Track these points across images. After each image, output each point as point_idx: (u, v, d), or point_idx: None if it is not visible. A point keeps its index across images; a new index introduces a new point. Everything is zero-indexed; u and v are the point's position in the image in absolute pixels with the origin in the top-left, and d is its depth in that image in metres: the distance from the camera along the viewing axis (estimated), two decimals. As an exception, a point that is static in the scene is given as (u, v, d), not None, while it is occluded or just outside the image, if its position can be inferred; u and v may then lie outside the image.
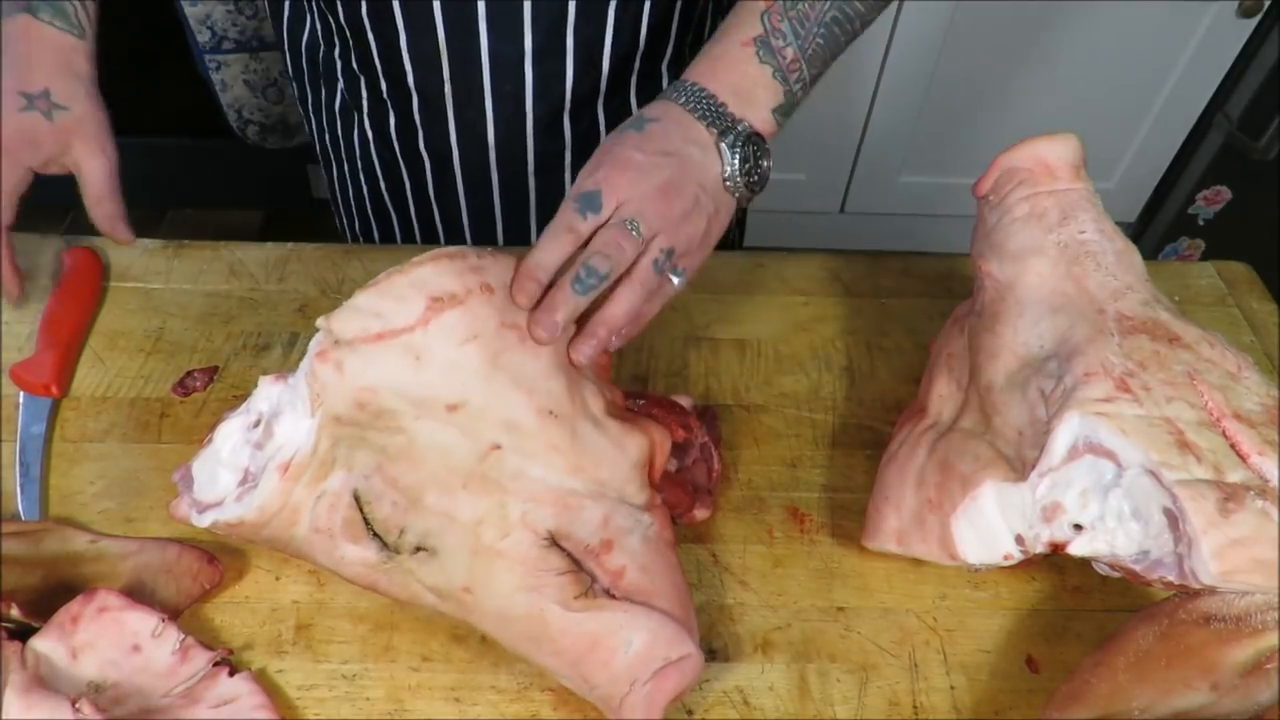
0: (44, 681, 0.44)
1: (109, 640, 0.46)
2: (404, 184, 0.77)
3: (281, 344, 0.64)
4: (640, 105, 0.71)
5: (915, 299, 0.71)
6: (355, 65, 0.71)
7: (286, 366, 0.63)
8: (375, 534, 0.46)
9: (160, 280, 0.68)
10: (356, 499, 0.46)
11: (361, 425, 0.45)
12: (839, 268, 0.73)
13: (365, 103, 0.73)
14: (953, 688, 0.50)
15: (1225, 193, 1.72)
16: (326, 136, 0.80)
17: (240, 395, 0.61)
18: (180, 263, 0.70)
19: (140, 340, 0.64)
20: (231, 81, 1.52)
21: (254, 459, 0.47)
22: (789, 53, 0.52)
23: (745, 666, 0.50)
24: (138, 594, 0.49)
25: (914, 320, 0.69)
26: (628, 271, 0.48)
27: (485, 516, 0.45)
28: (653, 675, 0.44)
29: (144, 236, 0.71)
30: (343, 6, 0.66)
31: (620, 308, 0.48)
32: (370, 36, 0.67)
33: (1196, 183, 1.71)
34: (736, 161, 0.51)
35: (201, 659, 0.47)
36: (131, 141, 1.98)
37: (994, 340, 0.52)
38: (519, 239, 0.79)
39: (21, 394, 0.59)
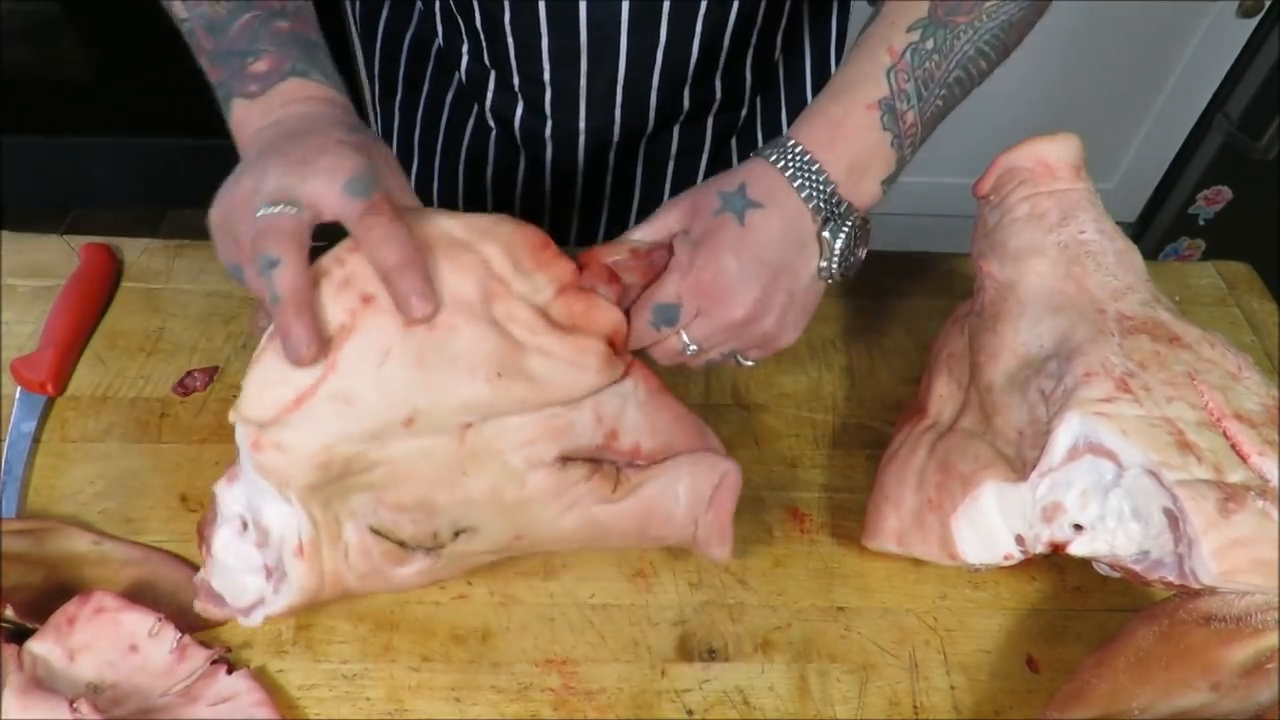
0: (42, 683, 0.44)
1: (106, 641, 0.46)
2: (516, 172, 0.79)
3: (281, 344, 0.64)
4: (754, 78, 0.75)
5: (915, 299, 0.71)
6: (486, 61, 0.72)
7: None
8: (414, 548, 0.46)
9: (160, 280, 0.68)
10: (379, 533, 0.46)
11: (338, 479, 0.43)
12: (839, 268, 0.73)
13: (491, 94, 0.74)
14: (953, 688, 0.50)
15: (1225, 193, 1.72)
16: (419, 131, 0.81)
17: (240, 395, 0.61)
18: (180, 263, 0.70)
19: (140, 340, 0.64)
20: (231, 81, 1.52)
21: (266, 555, 0.45)
22: (910, 117, 0.49)
23: (745, 666, 0.50)
24: (139, 602, 0.48)
25: (914, 320, 0.69)
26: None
27: (496, 481, 0.45)
28: (709, 506, 0.49)
29: (144, 236, 0.72)
30: (479, 11, 0.67)
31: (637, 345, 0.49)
32: (509, 40, 0.67)
33: (1196, 183, 1.71)
34: (837, 252, 0.48)
35: (199, 657, 0.47)
36: (131, 141, 1.99)
37: (994, 340, 0.52)
38: (622, 226, 0.81)
39: (18, 389, 0.59)
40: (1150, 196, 1.82)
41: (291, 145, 0.44)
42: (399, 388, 0.42)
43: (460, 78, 0.76)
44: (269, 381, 0.41)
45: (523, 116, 0.74)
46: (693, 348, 0.49)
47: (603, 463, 0.48)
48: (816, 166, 0.48)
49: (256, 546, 0.45)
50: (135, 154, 1.73)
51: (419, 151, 0.83)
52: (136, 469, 0.57)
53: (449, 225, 0.44)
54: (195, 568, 0.52)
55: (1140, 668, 0.44)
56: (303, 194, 0.41)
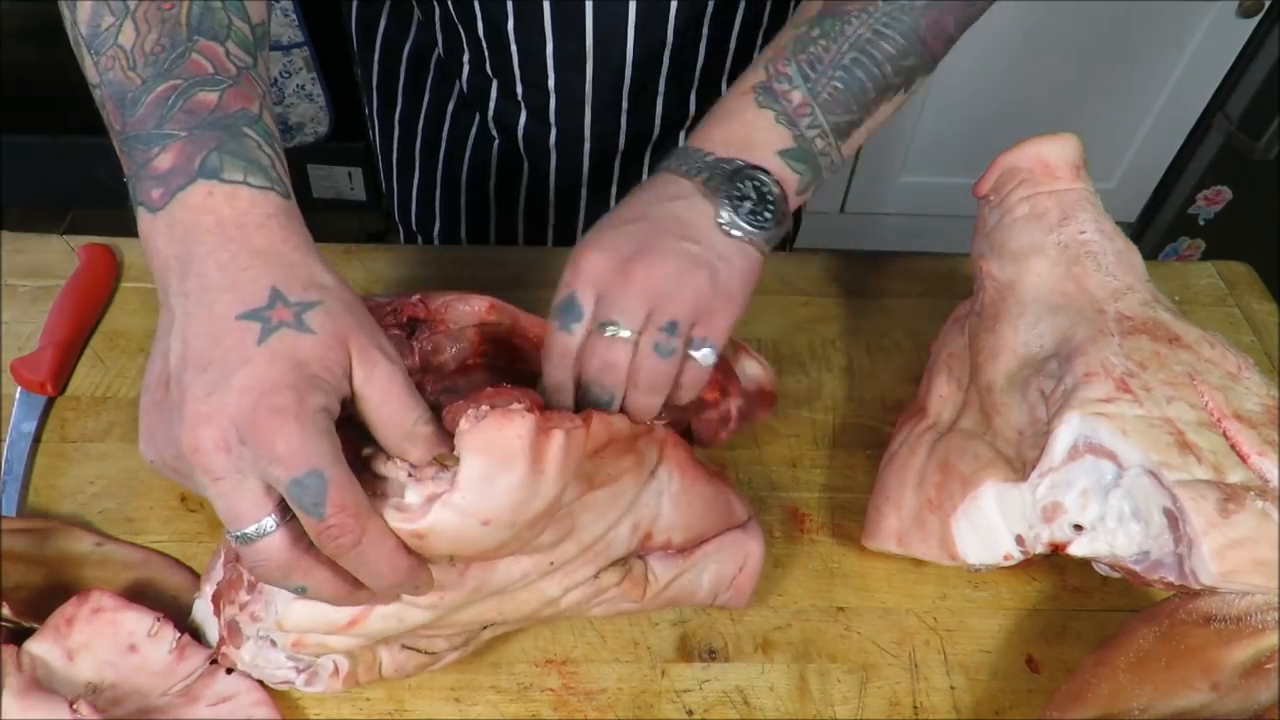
0: (41, 684, 0.44)
1: (105, 641, 0.46)
2: (519, 182, 0.78)
3: (281, 344, 0.64)
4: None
5: (915, 299, 0.71)
6: (489, 69, 0.71)
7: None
8: (446, 651, 0.47)
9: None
10: (413, 649, 0.46)
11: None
12: (839, 268, 0.73)
13: (493, 103, 0.74)
14: (953, 688, 0.50)
15: (1225, 193, 1.72)
16: (419, 143, 0.80)
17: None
18: (180, 263, 0.69)
19: (140, 340, 0.64)
20: (231, 81, 1.52)
21: (297, 660, 0.45)
22: (796, 96, 0.47)
23: (745, 666, 0.50)
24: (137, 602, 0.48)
25: (914, 320, 0.69)
26: (631, 377, 0.42)
27: (533, 607, 0.45)
28: (730, 584, 0.50)
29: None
30: (482, 18, 0.67)
31: (637, 415, 0.43)
32: (513, 46, 0.67)
33: (1196, 183, 1.71)
34: (727, 202, 0.44)
35: (198, 657, 0.47)
36: (131, 141, 1.95)
37: (994, 340, 0.52)
38: None
39: (18, 390, 0.59)
40: (1150, 196, 1.82)
41: (192, 386, 0.34)
42: (452, 606, 0.42)
43: (461, 87, 0.76)
44: (318, 608, 0.40)
45: (526, 125, 0.74)
46: (624, 332, 0.41)
47: (631, 563, 0.47)
48: (691, 149, 0.46)
49: (287, 657, 0.44)
50: (135, 154, 1.73)
51: (420, 164, 0.82)
52: (136, 469, 0.57)
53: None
54: (196, 574, 0.52)
55: (1140, 668, 0.44)
56: (261, 484, 0.35)
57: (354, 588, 0.37)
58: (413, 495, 0.37)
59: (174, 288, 0.37)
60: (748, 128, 0.46)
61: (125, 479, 0.56)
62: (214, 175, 0.37)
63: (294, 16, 1.48)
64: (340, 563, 0.35)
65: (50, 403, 0.59)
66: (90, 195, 1.79)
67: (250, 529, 0.35)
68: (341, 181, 1.80)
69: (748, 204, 0.44)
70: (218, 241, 0.37)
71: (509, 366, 0.51)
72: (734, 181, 0.44)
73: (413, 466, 0.38)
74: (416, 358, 0.49)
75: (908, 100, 0.51)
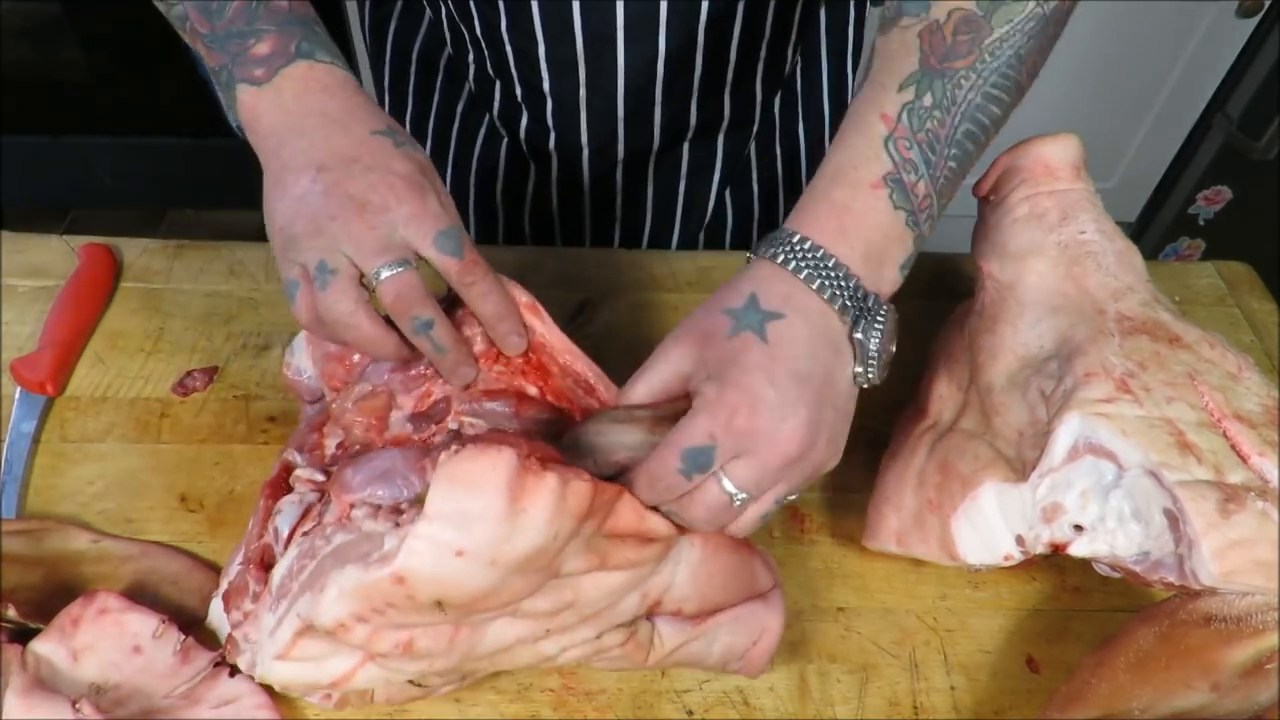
0: (45, 684, 0.44)
1: (110, 642, 0.46)
2: (527, 182, 0.78)
3: (281, 344, 0.64)
4: (765, 92, 0.73)
5: (915, 299, 0.70)
6: (490, 70, 0.71)
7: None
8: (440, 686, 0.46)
9: (160, 280, 0.68)
10: (411, 681, 0.44)
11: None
12: (839, 268, 0.73)
13: (497, 104, 0.74)
14: (953, 688, 0.50)
15: (1225, 193, 1.72)
16: (430, 145, 0.80)
17: (240, 395, 0.61)
18: (180, 263, 0.70)
19: (140, 340, 0.64)
20: (231, 81, 1.52)
21: None
22: (921, 188, 0.43)
23: (745, 667, 0.50)
24: (139, 599, 0.49)
25: (914, 320, 0.68)
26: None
27: (531, 661, 0.43)
28: (741, 656, 0.46)
29: (144, 236, 0.72)
30: (479, 19, 0.67)
31: (689, 527, 0.42)
32: (508, 48, 0.67)
33: (1196, 183, 1.71)
34: (874, 352, 0.42)
35: (202, 660, 0.47)
36: (131, 141, 1.99)
37: (994, 340, 0.52)
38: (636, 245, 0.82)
39: (18, 390, 0.59)
40: (1150, 196, 1.82)
41: (345, 174, 0.44)
42: (442, 670, 0.42)
43: (470, 87, 0.76)
44: (301, 670, 0.40)
45: (527, 127, 0.74)
46: (741, 496, 0.40)
47: (637, 626, 0.44)
48: (833, 261, 0.41)
49: None
50: (135, 154, 1.73)
51: (436, 159, 0.83)
52: (136, 469, 0.57)
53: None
54: (192, 558, 0.52)
55: (1140, 668, 0.44)
56: (402, 247, 0.44)
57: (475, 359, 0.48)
58: (390, 541, 0.37)
59: (292, 134, 0.46)
60: (885, 238, 0.42)
61: (125, 479, 0.56)
62: (309, 56, 0.47)
63: (294, 16, 1.48)
64: (470, 301, 0.47)
65: (50, 403, 0.59)
66: (90, 195, 1.80)
67: (395, 261, 0.44)
68: (341, 181, 1.79)
69: (880, 349, 0.42)
70: (329, 96, 0.47)
71: (540, 395, 0.49)
72: (873, 323, 0.42)
73: (396, 518, 0.39)
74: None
75: None
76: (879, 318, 0.42)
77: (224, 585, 0.47)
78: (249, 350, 0.64)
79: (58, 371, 0.60)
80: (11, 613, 0.47)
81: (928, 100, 0.43)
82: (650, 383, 0.42)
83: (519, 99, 0.72)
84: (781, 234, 0.42)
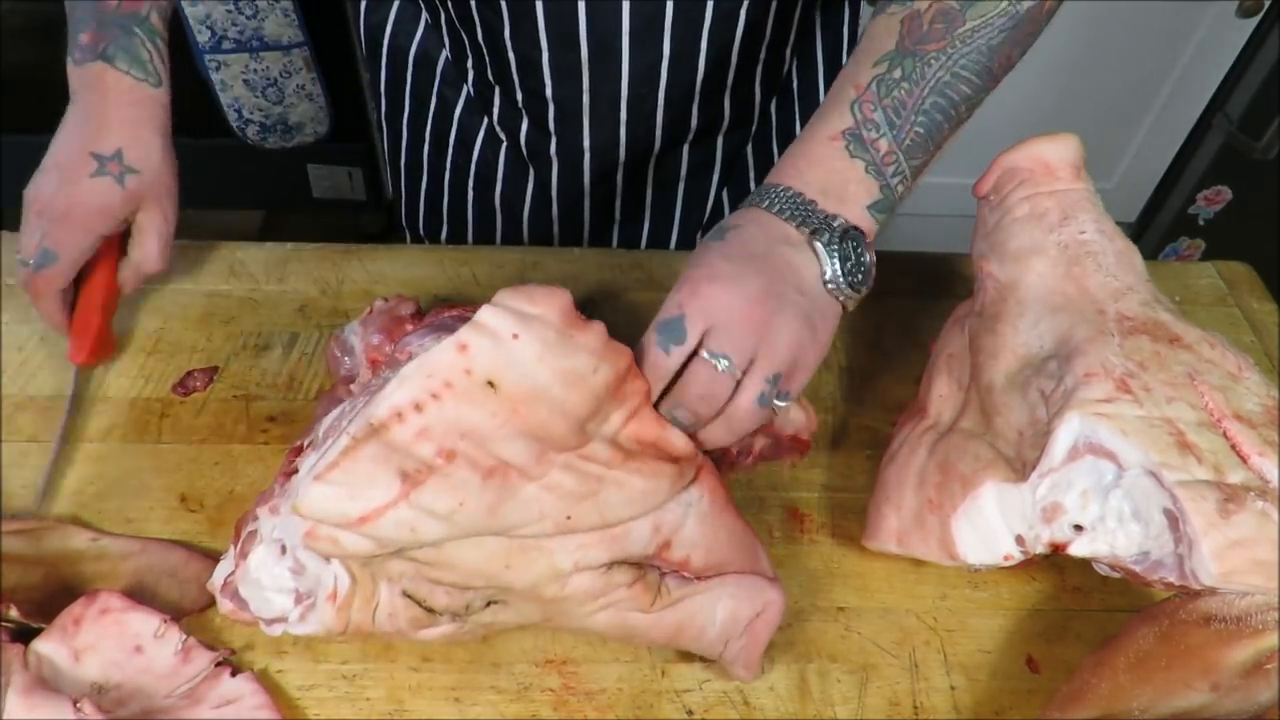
0: (46, 683, 0.44)
1: (111, 642, 0.46)
2: (526, 185, 0.78)
3: (281, 344, 0.64)
4: (763, 94, 0.75)
5: (915, 299, 0.71)
6: (490, 76, 0.72)
7: (286, 367, 0.63)
8: (443, 614, 0.46)
9: (160, 280, 0.68)
10: (411, 597, 0.45)
11: (386, 555, 0.43)
12: (839, 268, 0.73)
13: (496, 110, 0.74)
14: (953, 688, 0.50)
15: (1225, 193, 1.72)
16: (427, 147, 0.81)
17: (240, 395, 0.61)
18: (180, 263, 0.70)
19: (140, 340, 0.64)
20: (231, 81, 1.53)
21: (299, 582, 0.45)
22: (883, 145, 0.48)
23: (745, 667, 0.50)
24: (139, 595, 0.49)
25: (914, 320, 0.69)
26: (723, 412, 0.44)
27: (539, 578, 0.44)
28: (743, 631, 0.47)
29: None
30: (480, 25, 0.67)
31: (708, 444, 0.46)
32: (510, 54, 0.67)
33: (1196, 183, 1.71)
34: (836, 260, 0.46)
35: (203, 660, 0.47)
36: (131, 141, 1.93)
37: (994, 340, 0.52)
38: (635, 240, 0.84)
39: (74, 369, 0.60)
40: (1150, 196, 1.82)
41: (59, 163, 0.58)
42: (462, 528, 0.42)
43: (469, 90, 0.76)
44: (335, 495, 0.40)
45: (528, 132, 0.74)
46: (723, 362, 0.43)
47: (646, 570, 0.46)
48: (789, 191, 0.47)
49: (291, 572, 0.44)
50: (135, 154, 1.73)
51: (428, 168, 0.82)
52: (136, 469, 0.57)
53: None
54: (189, 548, 0.52)
55: (1140, 668, 0.44)
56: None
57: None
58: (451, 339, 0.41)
59: (69, 113, 0.59)
60: (842, 178, 0.47)
61: (125, 479, 0.56)
62: (110, 60, 0.58)
63: (294, 16, 1.48)
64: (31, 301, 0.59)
65: (88, 370, 0.61)
66: (90, 195, 1.79)
67: (31, 259, 0.57)
68: (341, 181, 1.79)
69: (849, 264, 0.46)
70: (98, 101, 0.58)
71: None
72: (842, 241, 0.46)
73: None
74: None
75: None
76: (840, 233, 0.46)
77: (234, 549, 0.47)
78: (249, 350, 0.64)
79: (99, 342, 0.61)
80: (13, 612, 0.47)
81: (897, 74, 0.48)
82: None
83: (520, 104, 0.72)
84: (760, 187, 0.49)
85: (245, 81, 1.53)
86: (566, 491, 0.43)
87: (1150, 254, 1.51)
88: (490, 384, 0.40)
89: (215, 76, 1.50)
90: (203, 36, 1.45)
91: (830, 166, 0.47)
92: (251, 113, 1.58)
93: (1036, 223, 0.53)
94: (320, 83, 1.59)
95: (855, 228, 0.47)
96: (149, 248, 0.60)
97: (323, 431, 0.46)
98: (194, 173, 2.01)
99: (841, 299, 0.47)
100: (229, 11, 1.43)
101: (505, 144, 0.77)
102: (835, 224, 0.46)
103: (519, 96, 0.71)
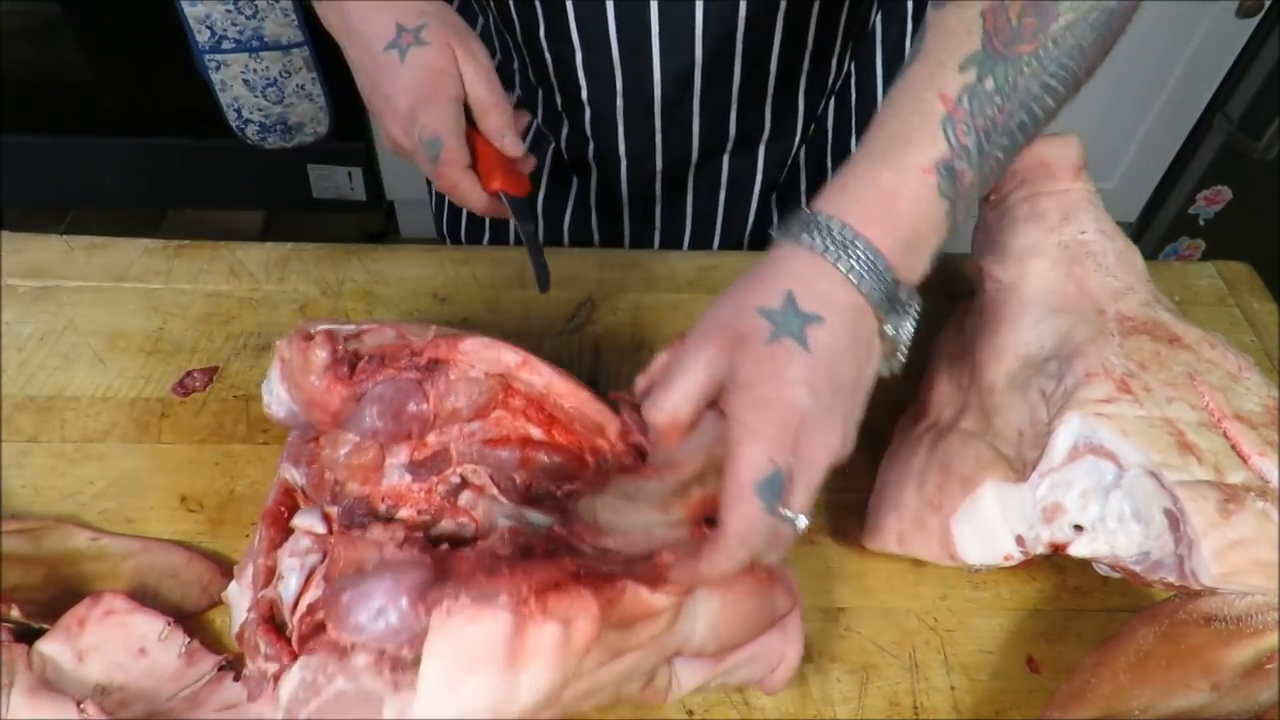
0: (50, 684, 0.44)
1: (115, 643, 0.46)
2: (569, 190, 0.78)
3: (282, 344, 0.64)
4: (809, 103, 0.71)
5: (915, 299, 0.71)
6: (532, 78, 0.72)
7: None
8: None
9: (160, 280, 0.68)
10: None
11: None
12: (839, 268, 0.73)
13: (540, 112, 0.74)
14: (953, 688, 0.50)
15: (1225, 193, 1.72)
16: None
17: (240, 395, 0.61)
18: (180, 263, 0.70)
19: (140, 340, 0.64)
20: (231, 81, 1.52)
21: None
22: (969, 178, 0.40)
23: (746, 667, 0.50)
24: (141, 596, 0.49)
25: (914, 320, 0.69)
26: None
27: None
28: (759, 682, 0.46)
29: (144, 236, 0.72)
30: (519, 25, 0.67)
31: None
32: (547, 55, 0.67)
33: (1196, 183, 1.71)
34: (903, 347, 0.41)
35: (207, 663, 0.47)
36: (131, 141, 1.99)
37: (995, 341, 0.52)
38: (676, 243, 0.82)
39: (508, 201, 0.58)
40: (1150, 196, 1.82)
41: (375, 78, 0.56)
42: None
43: (518, 93, 0.76)
44: None
45: (568, 137, 0.74)
46: (803, 520, 0.38)
47: (656, 672, 0.43)
48: (874, 252, 0.39)
49: None
50: (135, 154, 1.73)
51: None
52: (136, 469, 0.57)
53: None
54: (190, 549, 0.52)
55: (1140, 668, 0.44)
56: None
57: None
58: (390, 710, 0.37)
59: (347, 49, 0.58)
60: (927, 226, 0.40)
61: (125, 479, 0.56)
62: None
63: (294, 16, 1.48)
64: (447, 195, 0.57)
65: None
66: (90, 195, 1.80)
67: (427, 161, 0.55)
68: (341, 181, 1.79)
69: (904, 337, 0.41)
70: (359, 10, 0.55)
71: (547, 436, 0.48)
72: (904, 316, 0.40)
73: (396, 678, 0.38)
74: (430, 403, 0.47)
75: None
76: (910, 309, 0.40)
77: (245, 575, 0.46)
78: (249, 350, 0.64)
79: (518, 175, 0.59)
80: (14, 612, 0.47)
81: (989, 85, 0.40)
82: (686, 391, 0.39)
83: (559, 108, 0.72)
84: (819, 218, 0.39)
85: (245, 81, 1.52)
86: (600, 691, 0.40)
87: (1150, 254, 1.50)
88: None
89: (215, 76, 1.50)
90: (202, 36, 1.45)
91: (920, 213, 0.39)
92: (251, 113, 1.58)
93: (1037, 223, 0.53)
94: (320, 83, 1.58)
95: (916, 298, 0.41)
96: (475, 88, 0.55)
97: (284, 704, 0.40)
98: (194, 173, 2.01)
99: (883, 375, 0.43)
100: (229, 11, 1.43)
101: (550, 146, 0.77)
102: (911, 303, 0.40)
103: (558, 100, 0.71)
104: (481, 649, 0.35)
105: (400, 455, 0.47)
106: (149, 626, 0.47)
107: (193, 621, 0.50)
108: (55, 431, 0.58)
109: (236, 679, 0.46)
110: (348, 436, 0.47)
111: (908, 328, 0.40)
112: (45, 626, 0.47)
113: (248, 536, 0.53)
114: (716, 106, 0.69)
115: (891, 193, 0.39)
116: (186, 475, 0.56)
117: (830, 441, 0.38)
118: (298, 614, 0.42)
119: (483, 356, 0.48)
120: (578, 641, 0.36)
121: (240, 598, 0.47)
